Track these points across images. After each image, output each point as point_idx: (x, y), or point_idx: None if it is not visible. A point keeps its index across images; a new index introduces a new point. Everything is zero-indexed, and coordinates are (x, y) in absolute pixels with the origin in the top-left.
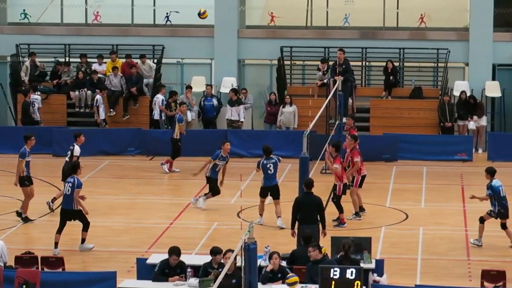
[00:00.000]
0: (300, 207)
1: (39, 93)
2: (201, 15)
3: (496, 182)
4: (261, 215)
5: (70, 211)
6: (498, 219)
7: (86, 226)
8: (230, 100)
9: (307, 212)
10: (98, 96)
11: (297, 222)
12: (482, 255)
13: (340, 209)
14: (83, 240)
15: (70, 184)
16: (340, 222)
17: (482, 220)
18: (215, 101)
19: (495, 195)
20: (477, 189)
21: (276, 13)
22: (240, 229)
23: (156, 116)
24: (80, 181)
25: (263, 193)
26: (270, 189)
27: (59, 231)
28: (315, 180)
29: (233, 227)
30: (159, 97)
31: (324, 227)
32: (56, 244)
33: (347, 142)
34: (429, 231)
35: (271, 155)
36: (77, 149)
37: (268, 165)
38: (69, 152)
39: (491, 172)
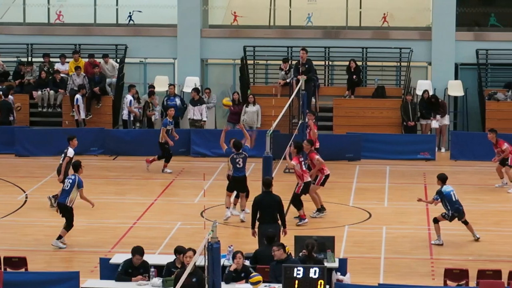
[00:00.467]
0: (259, 206)
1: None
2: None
3: (446, 188)
4: (228, 207)
5: (63, 205)
6: (452, 221)
7: (69, 225)
8: (192, 100)
9: (267, 211)
10: (78, 96)
11: (257, 222)
12: (445, 254)
13: (298, 206)
14: (60, 237)
15: (70, 181)
16: (300, 218)
17: (436, 220)
18: (178, 101)
19: (446, 200)
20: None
21: (239, 12)
22: (204, 228)
23: (125, 116)
24: (81, 180)
25: (230, 187)
26: (238, 181)
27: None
28: (278, 180)
29: (196, 226)
30: (128, 98)
31: (284, 226)
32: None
33: (304, 145)
34: (392, 230)
35: (240, 150)
36: (70, 151)
37: (237, 160)
38: (62, 155)
39: (442, 179)
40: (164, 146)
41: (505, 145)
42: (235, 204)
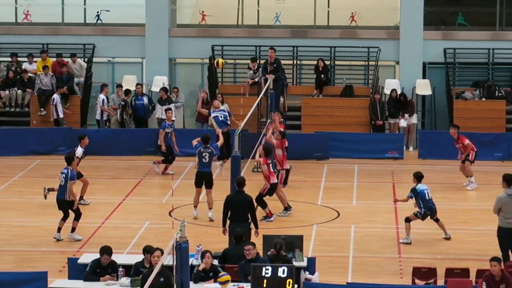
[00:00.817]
0: (231, 205)
1: None
2: (218, 66)
3: (420, 186)
4: (195, 207)
5: (63, 201)
6: (424, 220)
7: (77, 216)
8: (161, 99)
9: (238, 211)
10: (55, 95)
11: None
12: (413, 253)
13: (262, 205)
14: (73, 229)
15: (64, 175)
16: (266, 216)
17: (408, 219)
18: (146, 100)
19: (419, 198)
20: (408, 187)
21: (207, 11)
22: (172, 228)
23: (98, 116)
24: (74, 173)
25: (198, 181)
26: (204, 176)
27: (62, 219)
28: (247, 179)
29: (164, 226)
30: (101, 97)
31: (256, 226)
32: (59, 229)
33: (276, 138)
34: (360, 229)
35: (208, 144)
36: (79, 151)
37: (204, 154)
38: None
39: (418, 177)
40: (161, 149)
41: (467, 141)
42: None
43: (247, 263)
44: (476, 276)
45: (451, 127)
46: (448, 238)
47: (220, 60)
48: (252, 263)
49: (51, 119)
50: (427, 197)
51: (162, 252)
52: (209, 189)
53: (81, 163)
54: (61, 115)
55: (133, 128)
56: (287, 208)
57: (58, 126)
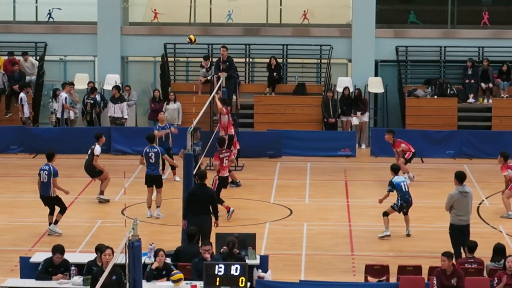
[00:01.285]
0: (192, 198)
1: None
2: (192, 42)
3: (397, 178)
4: (149, 207)
5: (47, 197)
6: (401, 213)
7: (62, 210)
8: (113, 97)
9: (200, 204)
10: (22, 94)
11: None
12: (366, 250)
13: (219, 201)
14: (56, 222)
15: (46, 172)
16: (227, 210)
17: (385, 213)
18: (98, 98)
19: (396, 190)
20: (360, 184)
21: (160, 10)
22: (124, 226)
23: (59, 114)
24: (56, 170)
25: (147, 182)
26: (152, 179)
27: (50, 213)
28: None
29: (117, 224)
30: (63, 95)
31: (216, 218)
32: (49, 223)
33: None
34: (313, 227)
35: (153, 144)
36: (97, 149)
37: (150, 154)
38: (89, 151)
39: (394, 170)
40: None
41: (402, 146)
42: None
43: (200, 261)
44: (429, 273)
45: (386, 132)
46: (408, 235)
47: (192, 37)
48: (205, 261)
49: (22, 118)
50: (403, 189)
51: (113, 251)
52: (159, 188)
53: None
54: (26, 114)
55: (85, 127)
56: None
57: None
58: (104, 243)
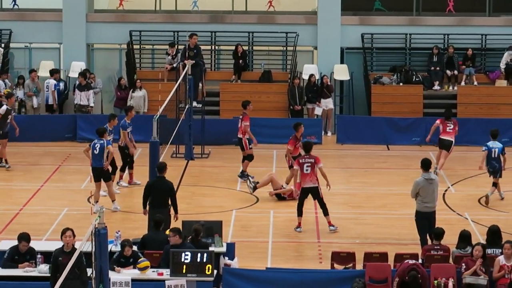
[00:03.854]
0: (151, 190)
1: None
2: None
3: (491, 143)
4: (96, 202)
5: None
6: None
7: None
8: (79, 85)
9: (158, 196)
10: None
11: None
12: (332, 237)
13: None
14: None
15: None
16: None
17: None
18: (62, 86)
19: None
20: (327, 171)
21: None
22: (91, 214)
23: (51, 101)
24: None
25: (94, 176)
26: (96, 171)
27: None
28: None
29: (83, 212)
30: (52, 82)
31: (176, 212)
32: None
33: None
34: (279, 214)
35: (102, 137)
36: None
37: (96, 145)
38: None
39: (493, 135)
40: (124, 151)
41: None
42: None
43: (172, 248)
44: (395, 260)
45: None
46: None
47: None
48: (171, 249)
49: None
50: (492, 155)
51: (73, 232)
52: (106, 181)
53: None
54: None
55: (50, 114)
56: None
57: None
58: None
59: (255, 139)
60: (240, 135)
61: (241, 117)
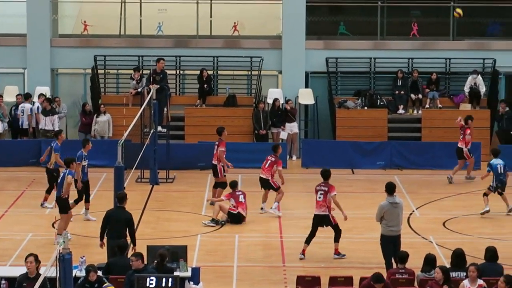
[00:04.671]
0: (109, 220)
1: None
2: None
3: (495, 160)
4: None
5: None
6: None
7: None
8: (44, 110)
9: (116, 227)
10: None
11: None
12: (297, 261)
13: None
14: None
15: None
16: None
17: (485, 194)
18: (36, 109)
19: (493, 172)
20: (292, 196)
21: (89, 21)
22: (55, 239)
23: (25, 125)
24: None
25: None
26: (57, 200)
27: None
28: (131, 190)
29: (48, 237)
30: (26, 106)
31: (134, 244)
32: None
33: None
34: (244, 238)
35: (68, 167)
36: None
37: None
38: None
39: (494, 153)
40: (53, 173)
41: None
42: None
43: (134, 273)
44: (360, 284)
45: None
46: (510, 212)
47: (458, 10)
48: (136, 274)
49: None
50: (499, 171)
51: (36, 258)
52: (61, 213)
53: None
54: None
55: (15, 139)
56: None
57: None
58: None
59: (230, 163)
60: (215, 162)
61: (216, 143)
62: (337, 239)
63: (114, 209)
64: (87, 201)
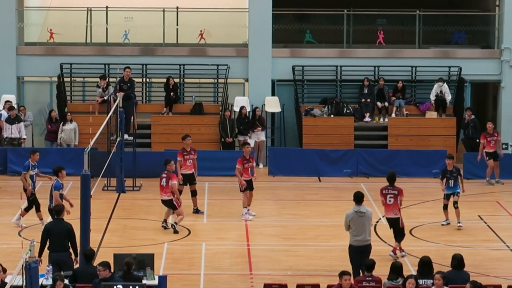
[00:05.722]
0: (49, 234)
1: None
2: None
3: None
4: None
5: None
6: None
7: None
8: (9, 118)
9: (57, 240)
10: None
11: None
12: (264, 269)
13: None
14: None
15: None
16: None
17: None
18: None
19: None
20: (258, 203)
21: (56, 30)
22: (21, 248)
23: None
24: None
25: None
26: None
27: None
28: (97, 198)
29: (14, 246)
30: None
31: (76, 255)
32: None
33: None
34: (211, 246)
35: (57, 176)
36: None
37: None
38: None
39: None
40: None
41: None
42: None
43: (101, 281)
44: None
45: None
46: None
47: None
48: (103, 282)
49: None
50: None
51: (2, 267)
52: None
53: None
54: None
55: None
56: None
57: None
58: (0, 264)
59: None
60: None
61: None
62: (399, 240)
63: (53, 222)
64: (37, 210)
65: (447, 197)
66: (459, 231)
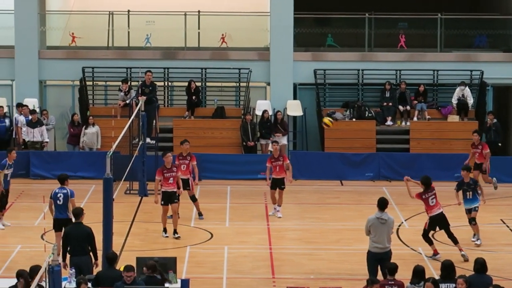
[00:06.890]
0: (69, 238)
1: None
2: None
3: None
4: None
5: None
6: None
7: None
8: (31, 122)
9: (77, 244)
10: None
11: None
12: (287, 273)
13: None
14: None
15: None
16: (434, 254)
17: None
18: (7, 122)
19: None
20: (281, 207)
21: (77, 33)
22: (44, 251)
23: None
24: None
25: (55, 226)
26: (60, 223)
27: None
28: (119, 201)
29: (37, 249)
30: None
31: (96, 258)
32: None
33: None
34: (233, 250)
35: (64, 185)
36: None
37: (58, 195)
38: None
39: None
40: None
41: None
42: None
43: (122, 284)
44: None
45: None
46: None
47: (326, 121)
48: (126, 285)
49: None
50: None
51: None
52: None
53: None
54: None
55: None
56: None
57: None
58: (24, 269)
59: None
60: (186, 176)
61: (188, 157)
62: (455, 241)
63: (72, 226)
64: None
65: (469, 211)
66: (480, 235)
